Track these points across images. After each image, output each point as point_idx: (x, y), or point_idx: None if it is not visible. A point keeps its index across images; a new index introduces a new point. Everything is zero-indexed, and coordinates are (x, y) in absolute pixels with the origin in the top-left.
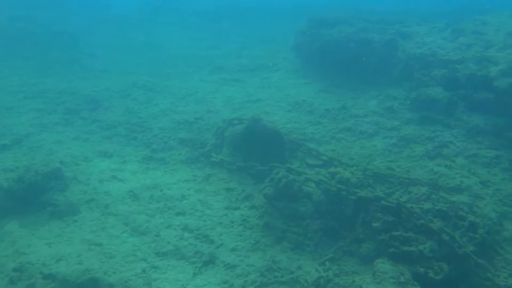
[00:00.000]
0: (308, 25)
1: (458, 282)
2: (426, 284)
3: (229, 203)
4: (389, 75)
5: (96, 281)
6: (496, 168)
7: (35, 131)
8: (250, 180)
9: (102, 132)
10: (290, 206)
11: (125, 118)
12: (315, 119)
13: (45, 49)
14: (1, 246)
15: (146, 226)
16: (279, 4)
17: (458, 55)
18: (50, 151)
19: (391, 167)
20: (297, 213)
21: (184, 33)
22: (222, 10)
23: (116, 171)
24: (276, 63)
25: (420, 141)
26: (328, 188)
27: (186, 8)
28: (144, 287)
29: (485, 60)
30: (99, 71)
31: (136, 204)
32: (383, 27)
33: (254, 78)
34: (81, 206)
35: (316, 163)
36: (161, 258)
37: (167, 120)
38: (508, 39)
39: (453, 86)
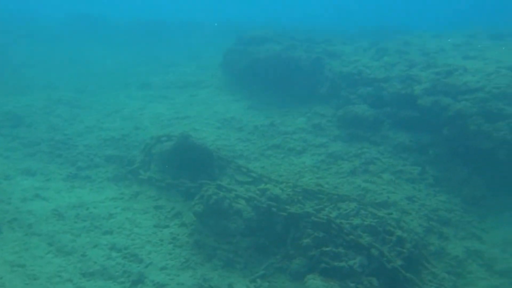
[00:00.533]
0: (236, 42)
1: None
2: None
3: (158, 221)
4: (317, 93)
5: None
6: (421, 184)
7: None
8: (179, 198)
9: (24, 149)
10: (221, 223)
11: (49, 135)
12: (244, 136)
13: None
14: None
15: (71, 246)
16: (206, 21)
17: (383, 74)
18: None
19: (320, 183)
20: (228, 230)
21: (110, 49)
22: (149, 26)
23: (39, 189)
24: (204, 80)
25: (348, 157)
26: (259, 205)
27: (113, 23)
28: None
29: (409, 79)
30: (21, 87)
31: (61, 224)
32: (310, 46)
33: (182, 95)
34: (3, 226)
35: (246, 180)
36: (88, 279)
37: (93, 137)
38: (430, 59)
39: (379, 104)
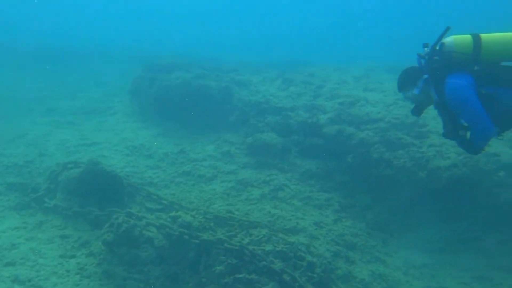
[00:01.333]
0: (145, 69)
1: None
2: None
3: (64, 251)
4: (226, 121)
5: None
6: (328, 210)
7: None
8: (87, 226)
9: None
10: (131, 252)
11: None
12: (153, 163)
13: None
14: None
15: None
16: (114, 47)
17: (290, 103)
18: None
19: (230, 210)
20: (139, 259)
21: (15, 74)
22: (56, 51)
23: None
24: (113, 107)
25: (257, 184)
26: (170, 233)
27: (19, 47)
28: None
29: (315, 109)
30: None
31: None
32: (219, 75)
33: (90, 121)
34: None
35: (156, 207)
36: None
37: None
38: (334, 90)
39: (287, 132)
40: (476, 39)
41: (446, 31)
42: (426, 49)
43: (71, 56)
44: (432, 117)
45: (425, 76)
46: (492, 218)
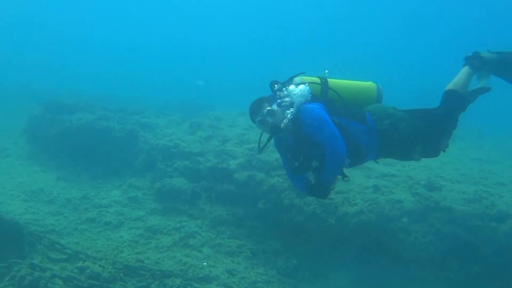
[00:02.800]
0: (44, 109)
1: None
2: None
3: None
4: (131, 165)
5: None
6: (239, 257)
7: None
8: None
9: None
10: None
11: None
12: (55, 210)
13: None
14: None
15: None
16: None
17: (199, 148)
18: None
19: (140, 259)
20: None
21: None
22: None
23: None
24: (6, 148)
25: (167, 231)
26: (79, 285)
27: None
28: None
29: (224, 154)
30: None
31: None
32: (124, 117)
33: None
34: None
35: (61, 257)
36: None
37: None
38: (242, 135)
39: (196, 177)
40: (323, 78)
41: (299, 74)
42: (276, 85)
43: None
44: None
45: (279, 100)
46: (398, 263)
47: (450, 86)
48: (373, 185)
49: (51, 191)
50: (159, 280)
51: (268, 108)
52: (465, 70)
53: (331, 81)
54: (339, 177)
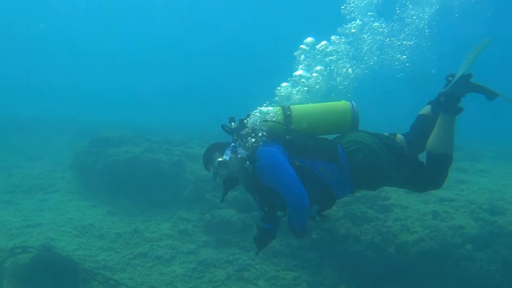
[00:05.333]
0: (90, 143)
1: None
2: None
3: None
4: (179, 197)
5: None
6: None
7: None
8: None
9: None
10: None
11: None
12: (106, 245)
13: None
14: None
15: None
16: (41, 117)
17: None
18: None
19: None
20: None
21: None
22: None
23: None
24: (54, 184)
25: (220, 264)
26: None
27: None
28: None
29: None
30: None
31: None
32: (169, 148)
33: (30, 199)
34: None
35: None
36: None
37: None
38: None
39: (246, 208)
40: (286, 109)
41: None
42: (233, 123)
43: None
44: (393, 190)
45: (232, 144)
46: None
47: (436, 147)
48: (432, 211)
49: (101, 226)
50: None
51: (219, 159)
52: (446, 121)
53: (296, 110)
54: (317, 218)
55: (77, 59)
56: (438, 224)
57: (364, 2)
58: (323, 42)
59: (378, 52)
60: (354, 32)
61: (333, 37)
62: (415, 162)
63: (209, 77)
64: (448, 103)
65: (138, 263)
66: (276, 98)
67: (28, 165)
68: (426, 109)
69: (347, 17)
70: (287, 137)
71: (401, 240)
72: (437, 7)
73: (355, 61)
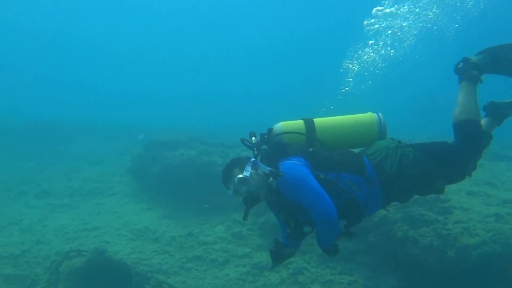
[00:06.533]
0: (146, 147)
1: None
2: None
3: None
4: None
5: None
6: None
7: None
8: None
9: None
10: None
11: None
12: (161, 248)
13: None
14: None
15: None
16: (101, 124)
17: None
18: None
19: None
20: None
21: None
22: (43, 129)
23: None
24: (112, 187)
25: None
26: None
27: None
28: None
29: None
30: None
31: None
32: (224, 151)
33: (88, 203)
34: None
35: None
36: None
37: None
38: None
39: None
40: (309, 122)
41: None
42: (253, 138)
43: (57, 133)
44: (454, 191)
45: (252, 159)
46: None
47: (459, 115)
48: (495, 213)
49: (156, 229)
50: None
51: (239, 176)
52: (465, 88)
53: (319, 123)
54: (345, 238)
55: (135, 64)
56: (501, 227)
57: None
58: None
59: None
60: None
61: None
62: (443, 147)
63: (262, 79)
64: (464, 69)
65: (192, 267)
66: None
67: (88, 169)
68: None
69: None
70: (310, 149)
71: (462, 243)
72: None
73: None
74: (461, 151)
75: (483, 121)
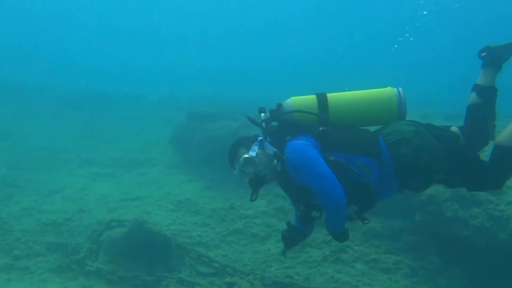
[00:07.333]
0: (188, 118)
1: None
2: None
3: None
4: None
5: None
6: (397, 274)
7: None
8: None
9: None
10: None
11: None
12: (201, 220)
13: None
14: None
15: None
16: (144, 94)
17: None
18: None
19: (289, 274)
20: None
21: (43, 121)
22: (88, 98)
23: None
24: (154, 158)
25: (316, 245)
26: None
27: (48, 94)
28: None
29: None
30: None
31: None
32: None
33: (130, 173)
34: None
35: (208, 271)
36: None
37: (31, 221)
38: None
39: None
40: (321, 97)
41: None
42: (263, 114)
43: (101, 102)
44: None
45: (259, 138)
46: None
47: (506, 140)
48: None
49: (197, 201)
50: None
51: (244, 156)
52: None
53: (333, 98)
54: (358, 221)
55: (181, 39)
56: None
57: None
58: None
59: None
60: None
61: None
62: (472, 156)
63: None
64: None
65: (232, 240)
66: None
67: (131, 138)
68: (472, 98)
69: None
70: (320, 128)
71: None
72: None
73: None
74: (490, 175)
75: (482, 77)
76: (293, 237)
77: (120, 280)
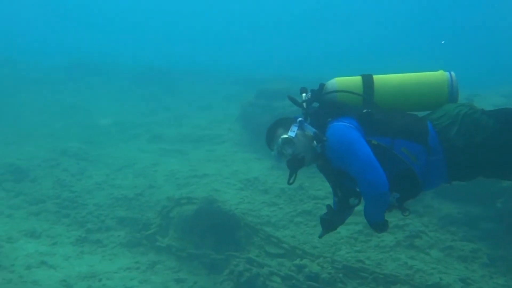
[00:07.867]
0: (257, 96)
1: None
2: None
3: None
4: None
5: None
6: (474, 264)
7: None
8: (203, 270)
9: (28, 207)
10: None
11: (55, 191)
12: (270, 200)
13: None
14: None
15: None
16: (209, 69)
17: None
18: None
19: (360, 259)
20: None
21: (113, 96)
22: (153, 73)
23: (45, 255)
24: (221, 135)
25: (389, 229)
26: (298, 285)
27: (115, 69)
28: None
29: None
30: (23, 135)
31: None
32: None
33: (198, 149)
34: None
35: (277, 252)
36: None
37: (103, 195)
38: None
39: None
40: (367, 79)
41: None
42: (304, 95)
43: (168, 77)
44: None
45: (299, 119)
46: None
47: None
48: None
49: (266, 180)
50: (383, 285)
51: (283, 136)
52: None
53: (379, 80)
54: (398, 211)
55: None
56: None
57: None
58: None
59: None
60: None
61: None
62: None
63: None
64: None
65: (301, 221)
66: None
67: (198, 115)
68: None
69: None
70: (364, 110)
71: None
72: None
73: None
74: None
75: None
76: (332, 221)
77: (189, 257)
